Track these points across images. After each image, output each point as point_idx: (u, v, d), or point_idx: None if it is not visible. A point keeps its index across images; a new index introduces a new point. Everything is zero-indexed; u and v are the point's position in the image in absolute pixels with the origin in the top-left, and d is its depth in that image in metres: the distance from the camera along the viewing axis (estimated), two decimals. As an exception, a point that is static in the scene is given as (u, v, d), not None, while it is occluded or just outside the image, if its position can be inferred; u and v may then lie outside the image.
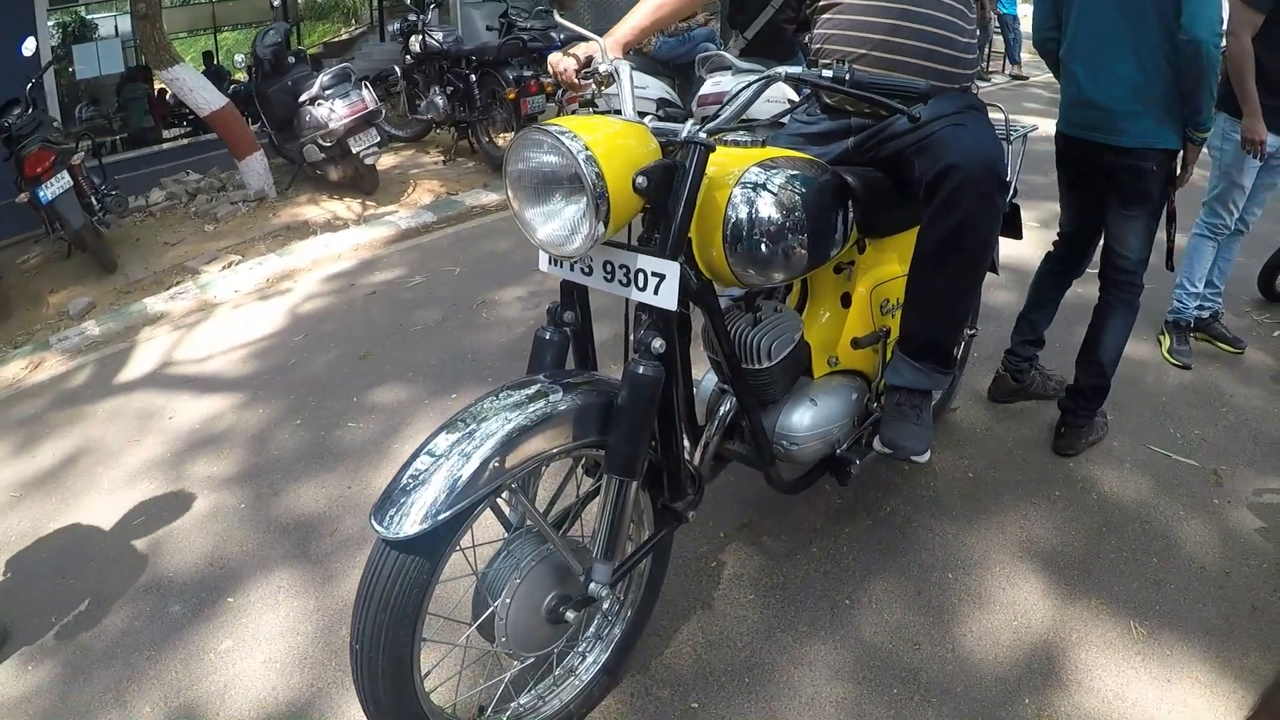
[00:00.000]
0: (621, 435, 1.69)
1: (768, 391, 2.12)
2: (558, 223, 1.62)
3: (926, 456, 2.24)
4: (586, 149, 1.51)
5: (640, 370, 1.66)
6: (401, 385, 3.67)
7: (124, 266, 5.64)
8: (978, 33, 2.20)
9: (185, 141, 8.14)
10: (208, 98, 6.15)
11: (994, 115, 2.47)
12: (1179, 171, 2.73)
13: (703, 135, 1.68)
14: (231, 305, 4.85)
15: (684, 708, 2.10)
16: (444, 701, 1.89)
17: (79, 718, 2.17)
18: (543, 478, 2.04)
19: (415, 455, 1.56)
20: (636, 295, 1.73)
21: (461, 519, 1.52)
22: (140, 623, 2.45)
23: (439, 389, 3.59)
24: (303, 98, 6.25)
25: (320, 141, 6.22)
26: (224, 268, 5.36)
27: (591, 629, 2.11)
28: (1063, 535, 2.54)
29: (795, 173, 1.89)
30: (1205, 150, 3.48)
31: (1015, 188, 2.63)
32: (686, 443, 2.06)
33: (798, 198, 1.85)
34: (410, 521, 1.45)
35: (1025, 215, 2.69)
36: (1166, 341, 3.64)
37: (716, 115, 1.81)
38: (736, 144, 1.95)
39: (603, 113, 1.91)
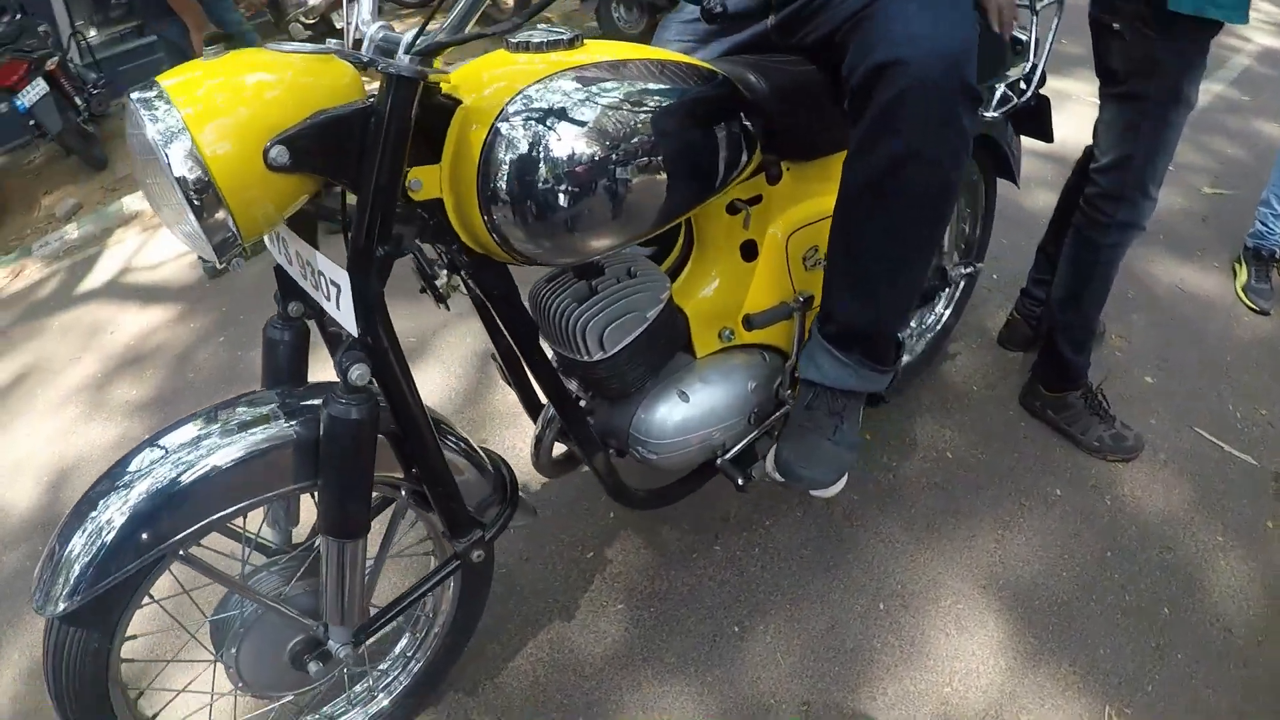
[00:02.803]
0: (328, 489, 1.28)
1: (608, 386, 1.54)
2: (186, 225, 1.06)
3: (836, 489, 1.63)
4: (177, 116, 1.00)
5: (335, 410, 1.21)
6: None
7: (114, 163, 5.52)
8: None
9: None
10: None
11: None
12: None
13: (404, 59, 1.06)
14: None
15: (497, 746, 1.70)
16: None
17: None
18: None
19: (73, 513, 1.25)
20: (325, 304, 1.23)
21: (132, 586, 1.26)
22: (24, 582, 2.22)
23: None
24: None
25: (303, 20, 5.95)
26: (208, 154, 5.35)
27: (395, 653, 1.77)
28: (1050, 558, 1.91)
29: (619, 85, 1.23)
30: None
31: (1043, 73, 1.86)
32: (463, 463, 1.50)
33: (619, 125, 1.21)
34: (61, 595, 1.20)
35: (1071, 108, 1.93)
36: (1242, 274, 2.78)
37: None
38: (529, 47, 1.26)
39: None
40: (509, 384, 1.64)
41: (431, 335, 2.90)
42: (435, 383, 2.71)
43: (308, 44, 1.12)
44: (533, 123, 1.17)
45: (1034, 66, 1.83)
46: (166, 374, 3.02)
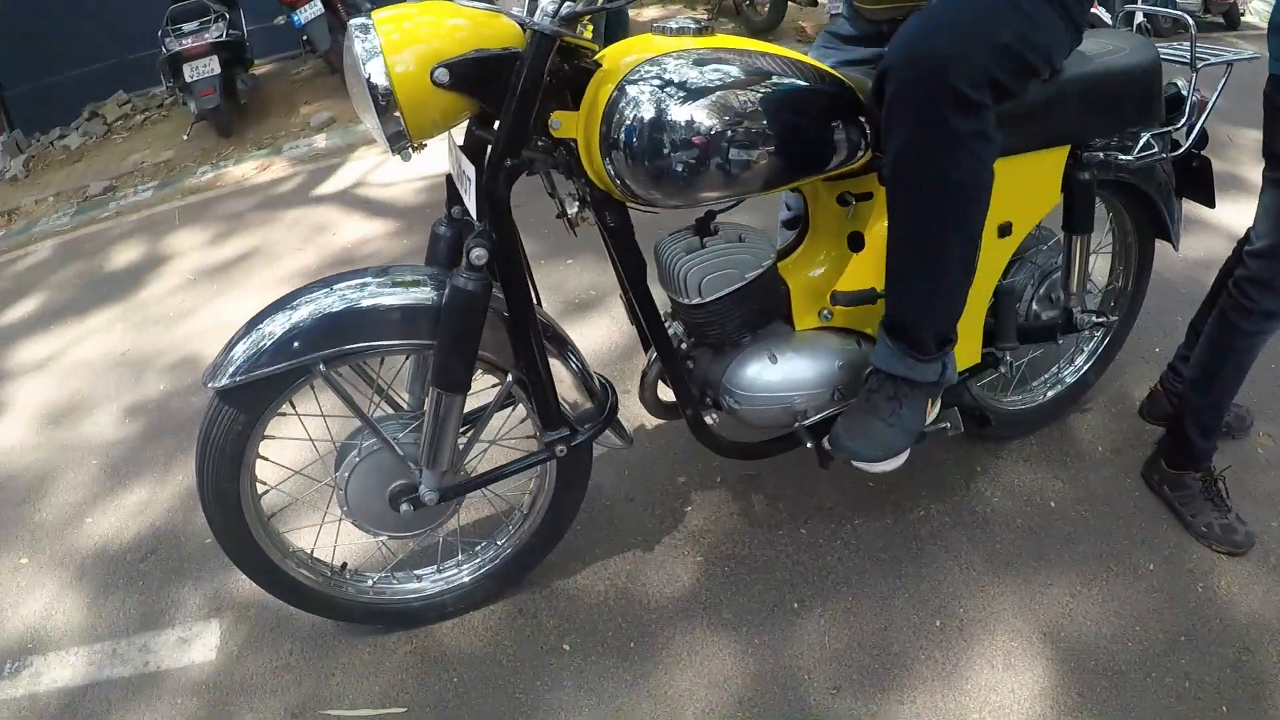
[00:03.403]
0: (440, 346, 1.57)
1: (706, 333, 1.75)
2: (371, 121, 1.41)
3: (888, 466, 1.73)
4: (378, 42, 1.34)
5: (457, 281, 1.51)
6: (528, 237, 3.50)
7: (372, 87, 6.30)
8: None
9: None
10: None
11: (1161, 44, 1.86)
12: None
13: (545, 20, 1.34)
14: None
15: (555, 645, 1.92)
16: (305, 544, 1.92)
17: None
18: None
19: (250, 320, 1.60)
20: (464, 197, 1.57)
21: (279, 386, 1.59)
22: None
23: (556, 250, 3.39)
24: None
25: None
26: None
27: (488, 540, 2.03)
28: (1121, 626, 1.88)
29: (731, 67, 1.46)
30: None
31: (1203, 134, 1.88)
32: (568, 371, 1.78)
33: (723, 99, 1.44)
34: (224, 374, 1.53)
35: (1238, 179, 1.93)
36: None
37: None
38: (665, 31, 1.53)
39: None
40: (631, 320, 1.84)
41: (609, 293, 3.13)
42: (600, 332, 2.95)
43: (483, 2, 1.44)
44: (652, 86, 1.41)
45: (1191, 125, 1.84)
46: (370, 279, 3.41)
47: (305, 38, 6.06)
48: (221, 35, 5.62)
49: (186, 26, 5.62)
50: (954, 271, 1.58)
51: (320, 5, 5.95)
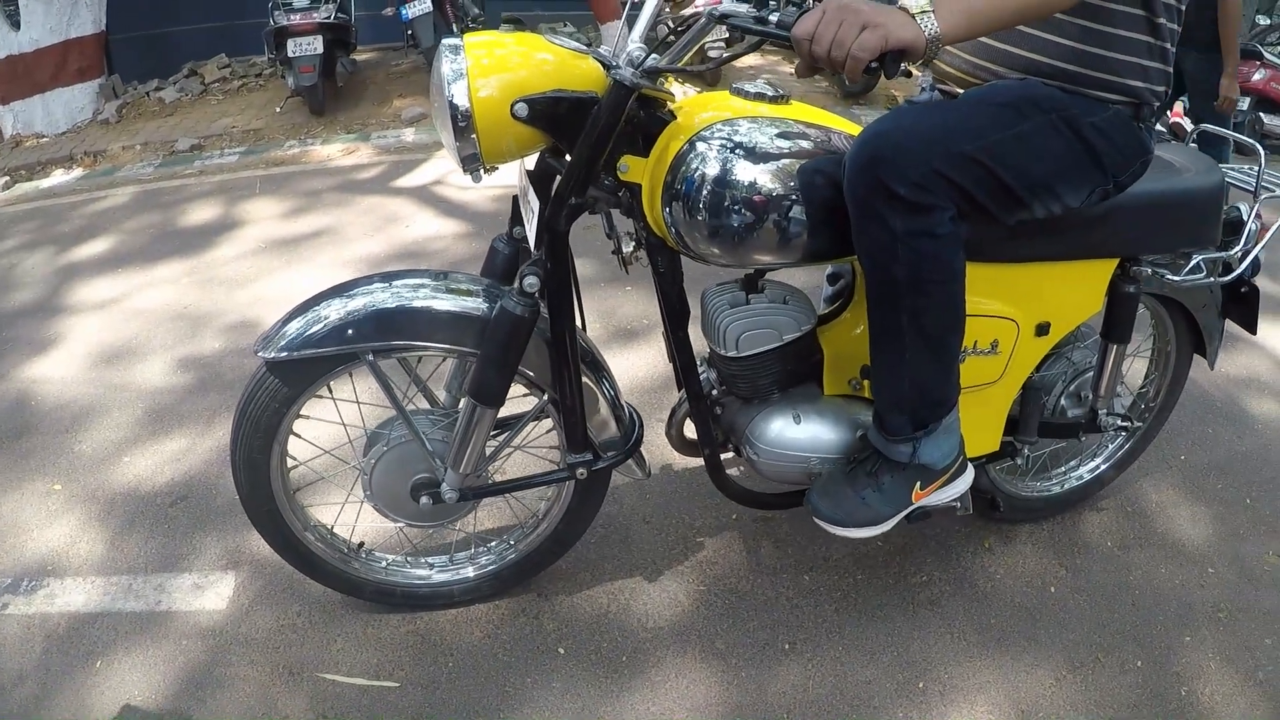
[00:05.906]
0: (481, 361, 1.65)
1: (737, 384, 1.81)
2: (448, 139, 1.49)
3: (849, 533, 1.74)
4: (465, 65, 1.41)
5: (505, 304, 1.58)
6: (593, 260, 3.55)
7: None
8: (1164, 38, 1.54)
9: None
10: None
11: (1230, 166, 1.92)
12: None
13: (628, 71, 1.41)
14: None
15: (551, 647, 2.01)
16: (326, 520, 2.00)
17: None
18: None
19: (307, 300, 1.69)
20: (526, 224, 1.66)
21: (322, 369, 1.67)
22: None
23: (619, 275, 3.41)
24: None
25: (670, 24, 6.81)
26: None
27: (500, 539, 2.12)
28: (1099, 717, 1.90)
29: (799, 140, 1.53)
30: None
31: (1256, 262, 1.90)
32: (600, 398, 1.85)
33: (786, 170, 1.49)
34: (275, 346, 1.61)
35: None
36: None
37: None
38: (742, 94, 1.59)
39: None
40: (669, 359, 1.91)
41: (659, 325, 3.17)
42: (643, 360, 3.07)
43: (574, 42, 1.51)
44: (721, 146, 1.47)
45: (1246, 251, 1.86)
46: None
47: (410, 32, 6.22)
48: (329, 17, 5.79)
49: (297, 3, 5.81)
50: (915, 360, 1.58)
51: (429, 3, 6.10)
